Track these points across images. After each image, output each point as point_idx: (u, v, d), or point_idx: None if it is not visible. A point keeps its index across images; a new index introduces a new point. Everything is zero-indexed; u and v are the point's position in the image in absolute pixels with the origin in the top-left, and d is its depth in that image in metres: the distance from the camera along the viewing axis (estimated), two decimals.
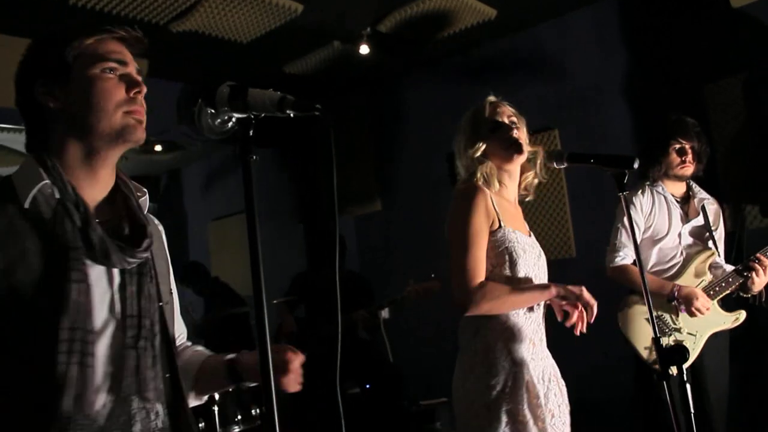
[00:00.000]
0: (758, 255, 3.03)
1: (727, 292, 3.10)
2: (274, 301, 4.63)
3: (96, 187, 1.43)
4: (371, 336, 4.89)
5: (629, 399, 3.46)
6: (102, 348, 1.34)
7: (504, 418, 2.13)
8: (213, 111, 1.31)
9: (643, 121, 4.35)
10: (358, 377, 4.63)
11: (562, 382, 2.34)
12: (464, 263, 2.20)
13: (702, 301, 3.02)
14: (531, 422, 2.13)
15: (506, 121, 2.34)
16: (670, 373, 2.04)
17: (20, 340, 1.27)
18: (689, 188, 3.28)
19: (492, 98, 2.43)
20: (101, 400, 1.32)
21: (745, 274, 3.03)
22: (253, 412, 3.76)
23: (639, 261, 2.12)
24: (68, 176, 1.38)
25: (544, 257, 2.39)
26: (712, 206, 3.27)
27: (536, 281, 2.30)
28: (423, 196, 5.64)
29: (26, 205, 1.32)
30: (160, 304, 1.45)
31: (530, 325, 2.26)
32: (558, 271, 4.81)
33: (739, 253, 3.86)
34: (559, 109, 4.73)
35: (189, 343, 1.73)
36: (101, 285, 1.36)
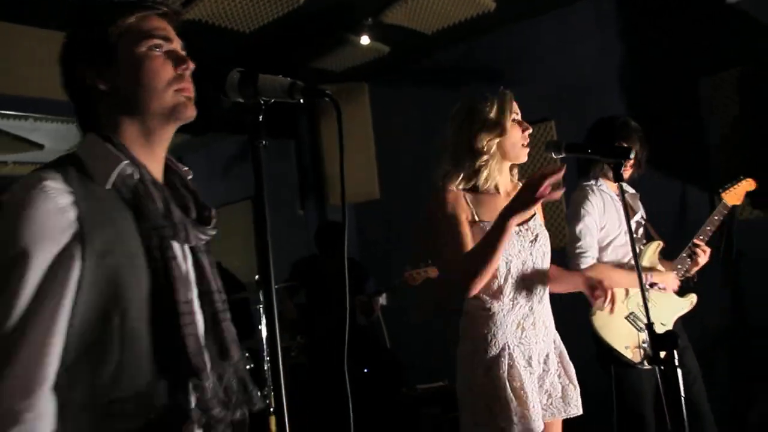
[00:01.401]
0: (696, 241, 3.19)
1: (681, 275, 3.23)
2: (275, 287, 4.70)
3: (155, 166, 1.42)
4: (369, 322, 4.97)
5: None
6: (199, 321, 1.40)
7: (482, 402, 2.20)
8: (225, 98, 1.32)
9: (639, 113, 4.42)
10: (355, 362, 4.71)
11: (569, 366, 2.39)
12: (445, 250, 2.25)
13: (672, 277, 3.15)
14: (513, 404, 2.17)
15: (521, 119, 2.37)
16: (662, 359, 2.08)
17: (137, 319, 1.28)
18: (620, 186, 3.33)
19: (510, 93, 2.42)
20: (215, 368, 1.38)
21: (690, 259, 3.18)
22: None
23: (635, 258, 2.15)
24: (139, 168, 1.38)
25: (544, 241, 2.41)
26: (636, 198, 3.35)
27: (530, 266, 2.33)
28: (422, 185, 5.69)
29: (108, 186, 1.30)
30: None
31: (518, 311, 2.29)
32: (556, 259, 4.92)
33: (729, 243, 3.96)
34: (556, 101, 4.79)
35: None
36: (185, 262, 1.40)
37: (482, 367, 2.24)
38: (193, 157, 7.69)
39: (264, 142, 1.31)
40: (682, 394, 2.07)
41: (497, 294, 2.28)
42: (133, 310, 1.27)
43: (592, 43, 4.71)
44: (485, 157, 2.32)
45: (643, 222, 3.30)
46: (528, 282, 2.32)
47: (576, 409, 2.36)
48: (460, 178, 2.34)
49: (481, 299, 2.28)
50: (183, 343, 1.30)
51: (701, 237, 3.21)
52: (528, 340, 2.28)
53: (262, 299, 3.99)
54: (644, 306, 2.12)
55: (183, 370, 1.30)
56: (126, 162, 1.32)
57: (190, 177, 1.52)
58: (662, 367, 2.08)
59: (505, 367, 2.21)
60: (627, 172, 3.21)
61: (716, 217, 3.25)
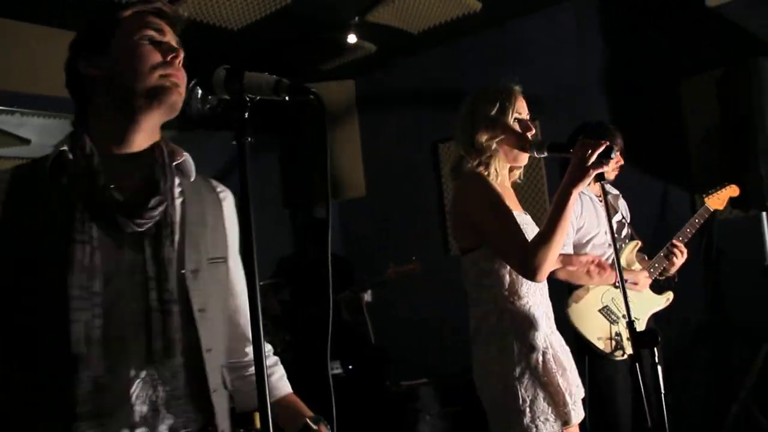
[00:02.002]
0: (674, 242, 3.27)
1: (655, 276, 3.30)
2: (260, 283, 4.70)
3: (125, 149, 1.44)
4: (354, 318, 5.00)
5: None
6: (127, 310, 1.34)
7: (516, 400, 2.16)
8: (209, 93, 1.32)
9: (620, 114, 4.48)
10: (341, 358, 4.73)
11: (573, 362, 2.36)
12: (512, 235, 2.16)
13: (643, 276, 3.24)
14: (547, 400, 2.16)
15: (527, 118, 2.35)
16: (641, 355, 2.11)
17: (34, 295, 1.31)
18: (602, 187, 3.38)
19: (519, 88, 2.39)
20: (130, 363, 1.33)
21: (667, 258, 3.26)
22: None
23: (617, 257, 2.19)
24: (101, 143, 1.41)
25: None
26: (622, 202, 3.46)
27: None
28: (407, 183, 5.75)
29: (48, 167, 1.36)
30: (183, 271, 1.41)
31: (544, 303, 2.28)
32: None
33: (709, 242, 4.03)
34: (540, 101, 4.82)
35: (272, 361, 1.70)
36: (115, 247, 1.35)
37: (511, 366, 2.18)
38: None
39: (250, 138, 1.31)
40: (662, 390, 2.12)
41: (515, 292, 2.24)
42: (28, 292, 1.30)
43: (574, 45, 4.76)
44: (487, 154, 2.29)
45: (625, 222, 3.38)
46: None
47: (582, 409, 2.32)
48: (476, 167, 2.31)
49: (516, 288, 2.23)
50: (68, 330, 1.26)
51: (680, 238, 3.29)
52: (550, 336, 2.26)
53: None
54: (625, 304, 2.15)
55: (65, 361, 1.27)
56: (64, 148, 1.37)
57: (179, 161, 1.53)
58: (638, 363, 2.12)
59: (534, 363, 2.18)
60: (614, 174, 3.29)
61: (697, 220, 3.33)
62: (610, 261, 3.25)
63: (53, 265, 1.30)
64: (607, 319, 3.13)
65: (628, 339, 3.06)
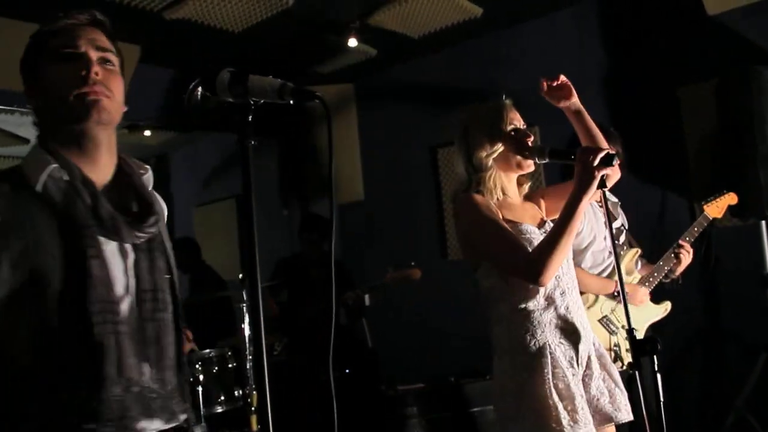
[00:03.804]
0: (681, 242, 3.26)
1: (658, 281, 3.28)
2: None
3: (96, 169, 1.46)
4: (352, 322, 5.00)
5: None
6: (128, 319, 1.40)
7: (530, 408, 2.14)
8: (210, 95, 1.32)
9: (619, 121, 4.49)
10: (337, 361, 4.72)
11: (612, 369, 2.33)
12: (506, 249, 2.17)
13: (642, 292, 3.23)
14: (560, 407, 2.12)
15: (522, 126, 2.33)
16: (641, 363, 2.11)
17: (50, 316, 1.32)
18: (602, 193, 3.38)
19: (509, 101, 2.39)
20: (139, 370, 1.39)
21: (676, 258, 3.24)
22: (235, 393, 3.84)
23: (617, 262, 2.14)
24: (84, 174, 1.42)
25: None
26: (619, 207, 3.43)
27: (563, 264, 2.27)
28: (405, 187, 5.75)
29: (38, 188, 1.37)
30: (168, 276, 1.49)
31: (554, 310, 2.24)
32: None
33: (708, 250, 4.03)
34: (539, 107, 4.83)
35: None
36: (116, 260, 1.41)
37: (526, 370, 2.17)
38: (178, 155, 7.70)
39: (253, 141, 1.31)
40: (662, 398, 2.11)
41: (533, 292, 2.22)
42: (49, 310, 1.31)
43: (574, 51, 4.77)
44: (489, 173, 2.29)
45: (624, 229, 3.37)
46: (559, 281, 2.27)
47: (627, 414, 2.28)
48: (473, 188, 2.31)
49: (516, 299, 2.23)
50: (94, 341, 1.32)
51: (687, 238, 3.28)
52: (567, 340, 2.23)
53: (245, 298, 4.00)
54: (626, 313, 2.15)
55: (95, 370, 1.32)
56: (55, 165, 1.39)
57: (145, 176, 1.55)
58: (640, 372, 2.12)
59: (549, 368, 2.15)
60: (613, 179, 3.27)
61: (696, 229, 3.31)
62: (609, 269, 3.26)
63: (71, 280, 1.33)
64: (607, 330, 3.11)
65: (627, 350, 3.07)
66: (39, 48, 1.46)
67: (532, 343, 2.19)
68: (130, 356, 1.37)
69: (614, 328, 3.13)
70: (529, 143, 2.30)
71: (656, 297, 3.32)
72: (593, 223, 3.26)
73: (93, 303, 1.33)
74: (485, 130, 2.30)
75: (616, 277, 3.18)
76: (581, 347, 2.26)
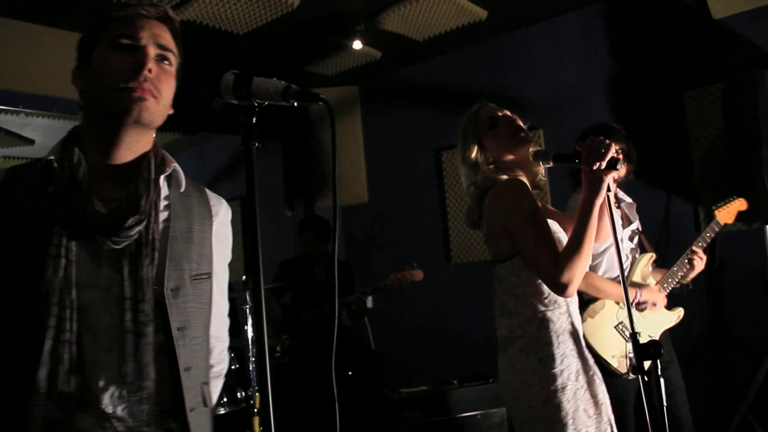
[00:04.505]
0: (694, 248, 3.24)
1: (672, 287, 3.25)
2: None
3: (112, 163, 1.41)
4: (355, 324, 5.00)
5: None
6: (101, 328, 1.31)
7: (556, 416, 2.12)
8: (215, 97, 1.30)
9: (624, 125, 4.48)
10: (340, 364, 4.72)
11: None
12: (547, 250, 2.12)
13: (662, 297, 3.20)
14: (590, 411, 2.14)
15: (500, 114, 2.34)
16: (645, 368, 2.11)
17: (4, 316, 1.27)
18: (616, 195, 3.35)
19: (484, 101, 2.41)
20: (101, 381, 1.30)
21: (690, 264, 3.22)
22: (238, 395, 3.85)
23: (621, 269, 2.09)
24: (90, 153, 1.39)
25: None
26: (633, 208, 3.37)
27: None
28: (410, 190, 5.75)
29: (37, 178, 1.34)
30: (155, 287, 1.37)
31: (569, 318, 2.24)
32: None
33: (712, 255, 4.02)
34: (544, 110, 4.84)
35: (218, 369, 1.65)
36: (92, 264, 1.33)
37: (540, 375, 2.15)
38: (184, 156, 7.71)
39: (257, 143, 1.30)
40: (664, 403, 2.10)
41: (554, 301, 2.21)
42: (7, 306, 1.27)
43: (579, 54, 4.77)
44: (487, 169, 2.31)
45: (638, 232, 3.32)
46: None
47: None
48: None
49: (543, 301, 2.20)
50: (37, 345, 1.24)
51: (700, 244, 3.25)
52: (577, 347, 2.22)
53: (248, 300, 4.00)
54: (629, 315, 2.14)
55: (29, 380, 1.24)
56: (51, 158, 1.35)
57: (168, 171, 1.47)
58: (645, 377, 2.11)
59: (565, 376, 2.15)
60: (620, 171, 3.23)
61: (708, 234, 3.28)
62: (625, 273, 3.21)
63: (26, 277, 1.28)
64: (622, 336, 3.06)
65: None
66: (99, 30, 1.40)
67: (550, 349, 2.16)
68: (68, 375, 1.26)
69: (625, 335, 3.08)
70: (517, 124, 2.32)
71: (670, 301, 3.27)
72: (608, 225, 3.22)
73: (51, 306, 1.25)
74: (462, 135, 2.38)
75: (630, 279, 3.18)
76: (587, 353, 2.26)
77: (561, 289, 2.09)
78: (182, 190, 1.51)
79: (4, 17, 3.97)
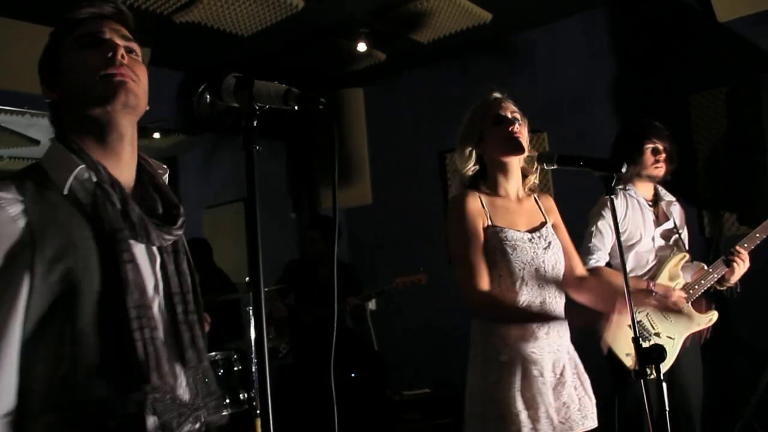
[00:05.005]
0: (737, 247, 3.13)
1: (704, 290, 3.16)
2: (265, 289, 4.71)
3: (120, 166, 1.41)
4: (357, 326, 5.00)
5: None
6: (162, 323, 1.39)
7: (493, 411, 2.18)
8: (219, 101, 1.32)
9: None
10: (343, 365, 4.73)
11: (584, 377, 2.35)
12: (464, 270, 2.26)
13: (678, 295, 3.07)
14: (523, 415, 2.15)
15: (509, 116, 2.35)
16: (648, 372, 2.10)
17: (86, 323, 1.27)
18: (656, 191, 3.32)
19: (497, 94, 2.43)
20: (173, 373, 1.38)
21: (726, 265, 3.12)
22: (240, 396, 3.85)
23: (623, 265, 2.12)
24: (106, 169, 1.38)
25: (556, 249, 2.37)
26: (677, 208, 3.33)
27: (543, 274, 2.31)
28: (413, 192, 5.75)
29: (65, 191, 1.31)
30: (193, 278, 1.48)
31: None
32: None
33: (717, 258, 3.99)
34: (548, 112, 4.84)
35: None
36: (145, 264, 1.38)
37: (494, 374, 2.22)
38: (187, 157, 7.72)
39: (258, 147, 1.31)
40: (666, 407, 2.09)
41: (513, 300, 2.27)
42: (84, 314, 1.27)
43: (584, 58, 4.76)
44: (469, 164, 2.39)
45: (676, 231, 3.25)
46: (541, 290, 2.30)
47: (592, 421, 2.31)
48: (467, 183, 2.39)
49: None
50: (133, 348, 1.28)
51: (745, 245, 3.15)
52: (542, 350, 2.25)
53: (251, 301, 4.01)
54: (631, 318, 2.13)
55: (134, 377, 1.29)
56: (82, 166, 1.33)
57: (164, 175, 1.52)
58: (645, 380, 2.10)
59: (518, 375, 2.20)
60: (661, 169, 3.20)
61: (758, 235, 3.18)
62: (652, 272, 3.18)
63: (107, 286, 1.29)
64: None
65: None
66: (61, 38, 1.41)
67: (506, 350, 2.23)
68: (166, 363, 1.34)
69: (647, 334, 3.05)
70: (514, 132, 2.32)
71: (704, 305, 3.19)
72: (640, 222, 3.17)
73: (131, 309, 1.30)
74: (469, 120, 2.41)
75: (656, 279, 3.12)
76: (555, 356, 2.28)
77: (467, 305, 2.27)
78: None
79: (9, 18, 3.99)
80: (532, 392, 2.19)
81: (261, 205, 1.31)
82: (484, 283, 2.24)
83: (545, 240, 2.36)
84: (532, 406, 2.17)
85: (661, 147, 3.20)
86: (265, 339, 1.29)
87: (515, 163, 2.37)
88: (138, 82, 1.40)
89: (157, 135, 6.22)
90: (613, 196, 2.18)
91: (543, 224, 2.41)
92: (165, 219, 1.43)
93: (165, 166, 1.54)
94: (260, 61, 5.07)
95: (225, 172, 7.18)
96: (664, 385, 2.09)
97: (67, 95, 1.40)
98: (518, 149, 2.32)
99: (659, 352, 2.06)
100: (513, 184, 2.40)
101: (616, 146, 3.31)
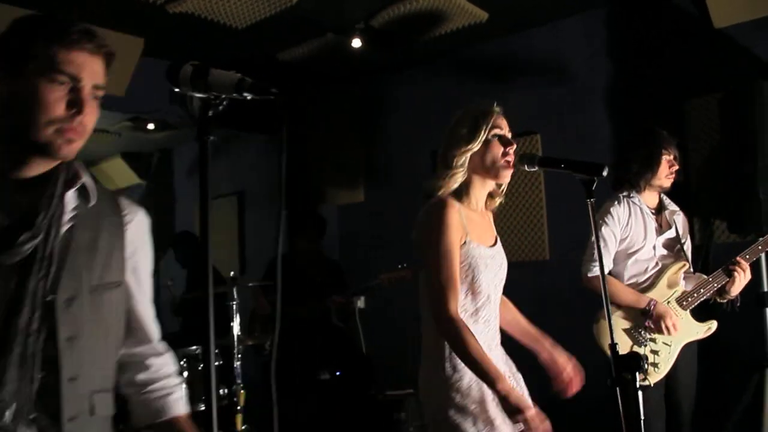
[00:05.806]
0: (738, 258, 3.12)
1: (702, 299, 3.16)
2: (249, 284, 4.69)
3: (23, 179, 1.41)
4: (344, 324, 4.97)
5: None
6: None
7: (472, 418, 2.17)
8: (176, 89, 1.30)
9: (623, 131, 4.44)
10: (329, 363, 4.70)
11: (518, 375, 2.37)
12: (440, 283, 2.17)
13: (672, 321, 3.08)
14: (500, 419, 2.16)
15: (508, 135, 2.30)
16: (626, 378, 2.05)
17: None
18: (660, 200, 3.33)
19: (499, 108, 2.36)
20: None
21: (727, 275, 3.12)
22: (221, 392, 3.83)
23: (601, 268, 2.11)
24: (3, 164, 1.39)
25: (505, 265, 2.38)
26: (680, 218, 3.32)
27: (494, 294, 2.31)
28: (405, 190, 5.71)
29: None
30: (47, 299, 1.37)
31: (488, 333, 2.29)
32: (531, 273, 4.91)
33: (705, 265, 3.96)
34: (542, 114, 4.81)
35: (175, 381, 1.71)
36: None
37: (453, 388, 2.20)
38: (182, 150, 7.71)
39: (211, 137, 1.28)
40: (642, 416, 2.07)
41: (473, 316, 2.26)
42: None
43: (580, 59, 4.73)
44: (453, 171, 2.28)
45: (678, 241, 3.25)
46: (495, 305, 2.32)
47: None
48: (443, 190, 2.30)
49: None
50: None
51: (747, 256, 3.14)
52: (495, 361, 2.24)
53: (235, 296, 3.99)
54: (609, 328, 2.11)
55: None
56: None
57: (73, 189, 1.46)
58: (621, 387, 2.08)
59: (477, 387, 2.19)
60: (671, 180, 3.22)
61: (760, 247, 3.18)
62: (651, 279, 3.19)
63: None
64: (633, 341, 3.03)
65: (653, 364, 2.99)
66: (37, 47, 1.36)
67: (451, 359, 2.21)
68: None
69: (642, 340, 3.06)
70: (511, 154, 2.27)
71: (704, 316, 3.20)
72: (641, 230, 3.17)
73: None
74: (466, 129, 2.28)
75: (652, 291, 3.14)
76: (503, 367, 2.27)
77: (436, 322, 2.18)
78: (92, 203, 1.49)
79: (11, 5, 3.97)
80: (479, 398, 2.19)
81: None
82: (457, 303, 2.18)
83: (501, 256, 2.36)
84: (480, 412, 2.18)
85: (675, 158, 3.22)
86: (213, 340, 1.27)
87: (501, 179, 2.34)
88: (85, 135, 1.40)
89: (151, 125, 6.20)
90: (593, 200, 2.14)
91: (497, 239, 2.40)
92: (9, 241, 1.35)
93: (84, 175, 1.49)
94: (255, 54, 5.04)
95: (219, 166, 7.16)
96: (640, 393, 2.08)
97: (14, 110, 1.36)
98: (508, 168, 2.28)
99: (636, 359, 2.05)
100: (482, 197, 2.37)
101: (628, 152, 3.29)
